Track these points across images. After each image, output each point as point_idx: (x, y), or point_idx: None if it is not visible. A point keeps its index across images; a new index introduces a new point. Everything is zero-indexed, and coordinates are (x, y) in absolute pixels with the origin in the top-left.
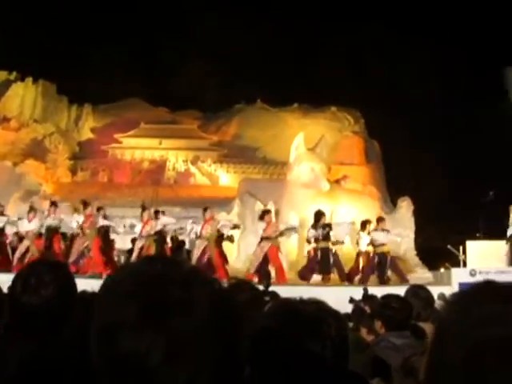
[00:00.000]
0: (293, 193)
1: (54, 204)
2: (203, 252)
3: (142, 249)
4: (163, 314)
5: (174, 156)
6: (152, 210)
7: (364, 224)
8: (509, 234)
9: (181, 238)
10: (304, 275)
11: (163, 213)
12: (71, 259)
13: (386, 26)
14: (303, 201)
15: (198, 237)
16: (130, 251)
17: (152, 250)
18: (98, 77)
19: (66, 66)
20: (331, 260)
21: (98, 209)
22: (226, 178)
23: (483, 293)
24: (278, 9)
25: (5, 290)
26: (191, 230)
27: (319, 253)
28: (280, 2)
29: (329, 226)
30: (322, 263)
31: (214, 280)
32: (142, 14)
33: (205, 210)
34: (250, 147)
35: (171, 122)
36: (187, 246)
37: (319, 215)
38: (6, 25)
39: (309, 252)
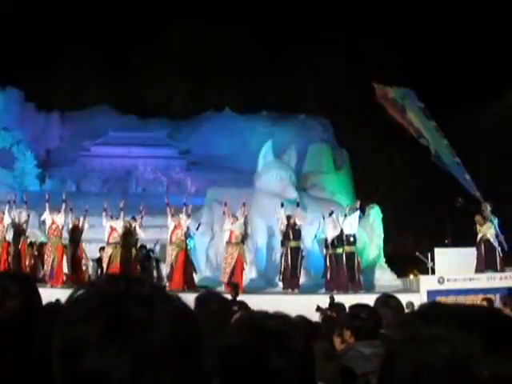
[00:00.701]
0: (261, 201)
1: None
2: (174, 261)
3: (110, 257)
4: (126, 333)
5: (143, 164)
6: (121, 219)
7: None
8: (478, 239)
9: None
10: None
11: (134, 218)
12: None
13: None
14: (271, 209)
15: (169, 242)
16: (98, 260)
17: (118, 259)
18: (67, 84)
19: (34, 73)
20: (300, 262)
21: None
22: (195, 185)
23: (430, 314)
24: (247, 17)
25: None
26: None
27: (289, 253)
28: (248, 9)
29: (299, 227)
30: (292, 264)
31: (176, 298)
32: (110, 21)
33: (172, 216)
34: (219, 155)
35: (140, 130)
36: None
37: (289, 216)
38: None
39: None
